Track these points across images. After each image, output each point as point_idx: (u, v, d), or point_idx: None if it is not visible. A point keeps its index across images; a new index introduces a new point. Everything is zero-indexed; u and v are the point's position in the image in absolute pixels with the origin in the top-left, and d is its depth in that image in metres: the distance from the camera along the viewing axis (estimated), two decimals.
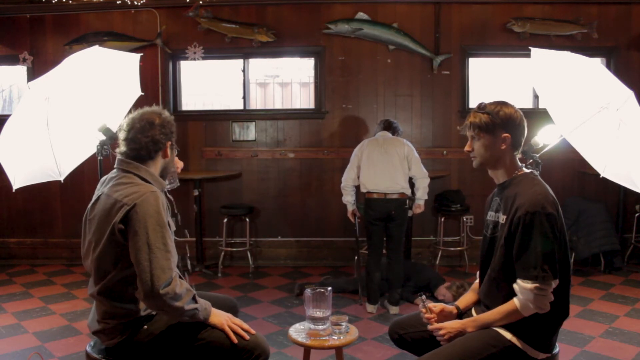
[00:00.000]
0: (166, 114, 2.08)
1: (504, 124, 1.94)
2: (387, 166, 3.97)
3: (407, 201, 4.04)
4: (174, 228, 2.08)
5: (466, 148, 2.04)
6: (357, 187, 4.16)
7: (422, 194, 4.08)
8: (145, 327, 1.94)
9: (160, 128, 2.01)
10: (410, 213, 4.15)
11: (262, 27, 5.26)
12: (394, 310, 4.03)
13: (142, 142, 1.98)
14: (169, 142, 2.05)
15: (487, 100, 2.03)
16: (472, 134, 2.00)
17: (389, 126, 4.21)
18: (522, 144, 2.00)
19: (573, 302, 4.06)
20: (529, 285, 1.79)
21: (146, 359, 1.95)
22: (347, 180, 4.12)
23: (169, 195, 2.17)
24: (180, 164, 2.30)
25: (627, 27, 5.34)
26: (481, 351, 1.84)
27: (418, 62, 5.40)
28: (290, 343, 2.93)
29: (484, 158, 1.99)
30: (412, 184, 4.10)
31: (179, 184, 2.25)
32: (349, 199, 4.14)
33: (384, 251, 4.17)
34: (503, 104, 1.99)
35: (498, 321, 1.89)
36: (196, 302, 1.92)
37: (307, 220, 5.57)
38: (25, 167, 2.80)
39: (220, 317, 1.99)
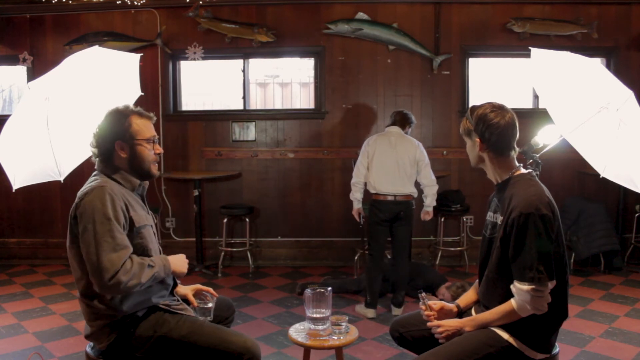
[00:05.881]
0: (115, 113, 2.03)
1: (476, 127, 1.95)
2: (399, 170, 3.91)
3: (413, 202, 4.02)
4: (150, 222, 2.09)
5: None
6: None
7: (431, 201, 4.05)
8: (132, 329, 1.94)
9: (101, 131, 2.02)
10: (428, 217, 4.11)
11: (262, 27, 5.26)
12: (396, 311, 3.99)
13: (94, 145, 2.05)
14: (118, 142, 2.00)
15: (486, 100, 2.03)
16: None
17: (399, 120, 4.07)
18: (504, 146, 1.95)
19: (573, 302, 4.08)
20: (525, 286, 1.79)
21: None
22: (359, 177, 4.00)
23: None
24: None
25: (627, 27, 5.34)
26: (478, 350, 1.84)
27: (418, 62, 5.40)
28: (290, 343, 2.93)
29: (472, 159, 2.06)
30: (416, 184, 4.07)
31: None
32: (357, 196, 4.04)
33: (387, 253, 4.13)
34: (483, 106, 1.96)
35: (496, 321, 1.89)
36: (152, 266, 1.90)
37: (307, 220, 5.57)
38: (25, 167, 2.80)
39: (179, 266, 2.05)
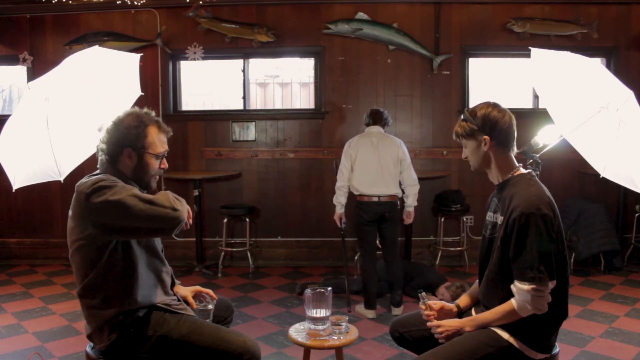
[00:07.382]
0: (135, 118, 1.97)
1: (482, 126, 1.95)
2: (382, 172, 3.89)
3: (399, 202, 4.00)
4: None
5: (462, 156, 2.10)
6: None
7: (412, 201, 4.01)
8: (133, 330, 1.94)
9: (115, 131, 1.97)
10: (409, 219, 4.08)
11: (262, 27, 5.26)
12: (396, 311, 3.99)
13: (104, 141, 1.99)
14: (127, 149, 1.96)
15: (483, 101, 2.04)
16: (461, 142, 2.05)
17: (379, 119, 4.02)
18: (510, 142, 1.98)
19: (573, 302, 4.08)
20: (525, 286, 1.79)
21: None
22: (343, 180, 3.98)
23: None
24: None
25: (627, 27, 5.34)
26: (478, 350, 1.84)
27: (418, 62, 5.40)
28: (290, 343, 2.93)
29: (476, 162, 2.04)
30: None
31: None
32: (342, 200, 4.00)
33: (380, 254, 4.12)
34: (481, 106, 1.98)
35: (496, 321, 1.89)
36: (171, 199, 1.84)
37: (307, 220, 5.57)
38: (25, 167, 2.80)
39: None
